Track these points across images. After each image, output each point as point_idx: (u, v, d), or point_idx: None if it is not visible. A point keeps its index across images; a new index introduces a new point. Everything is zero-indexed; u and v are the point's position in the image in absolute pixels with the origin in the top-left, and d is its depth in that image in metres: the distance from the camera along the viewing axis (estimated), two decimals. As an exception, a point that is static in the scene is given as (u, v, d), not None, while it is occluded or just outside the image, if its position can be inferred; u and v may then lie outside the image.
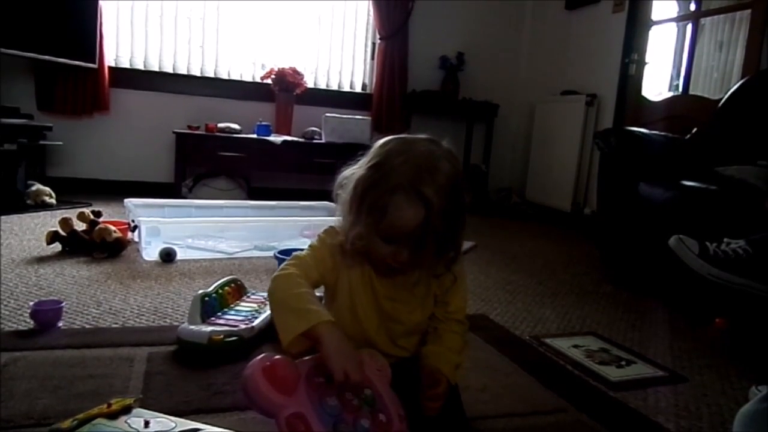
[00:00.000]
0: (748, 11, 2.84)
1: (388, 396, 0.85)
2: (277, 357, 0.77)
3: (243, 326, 1.28)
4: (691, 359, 1.46)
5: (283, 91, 3.73)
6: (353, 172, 0.90)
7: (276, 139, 3.55)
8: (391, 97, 4.02)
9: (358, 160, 0.91)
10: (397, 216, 0.83)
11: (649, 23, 3.45)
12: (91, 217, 2.14)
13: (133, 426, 0.84)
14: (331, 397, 0.78)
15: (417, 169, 0.83)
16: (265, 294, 1.54)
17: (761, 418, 0.83)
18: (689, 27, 3.26)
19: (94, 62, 3.34)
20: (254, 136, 3.56)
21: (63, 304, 1.37)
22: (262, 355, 0.77)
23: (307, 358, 0.84)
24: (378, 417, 0.81)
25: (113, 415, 0.86)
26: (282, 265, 0.92)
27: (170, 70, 3.71)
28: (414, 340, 1.00)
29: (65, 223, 2.07)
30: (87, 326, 1.37)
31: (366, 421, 0.79)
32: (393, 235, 0.85)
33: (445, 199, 0.83)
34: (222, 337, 1.22)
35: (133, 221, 2.17)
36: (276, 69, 3.72)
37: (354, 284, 0.94)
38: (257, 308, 1.43)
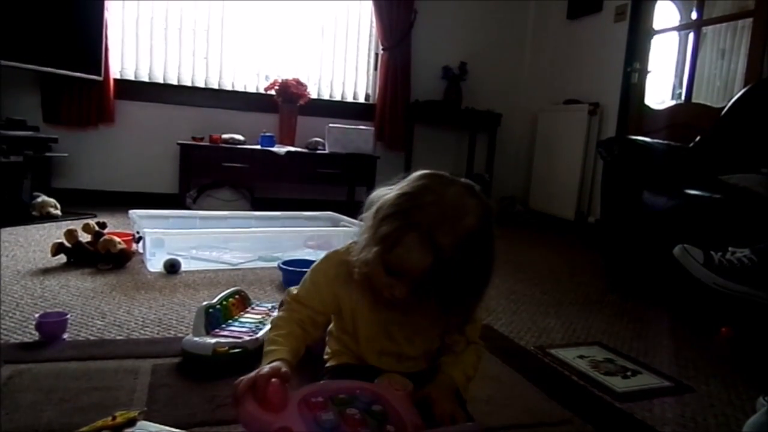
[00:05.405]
0: (750, 19, 2.85)
1: (405, 410, 0.85)
2: (267, 378, 0.79)
3: (247, 338, 1.28)
4: (697, 369, 1.45)
5: (287, 101, 3.75)
6: (385, 193, 0.89)
7: (280, 149, 3.57)
8: (394, 107, 4.04)
9: (396, 183, 0.90)
10: (405, 255, 0.82)
11: (651, 32, 3.46)
12: (96, 228, 2.15)
13: (137, 439, 0.85)
14: (327, 412, 0.79)
15: (441, 215, 0.81)
16: (269, 305, 1.55)
17: (769, 430, 0.82)
18: (691, 35, 3.27)
19: (99, 74, 3.37)
20: (258, 146, 3.58)
21: (68, 316, 1.37)
22: (250, 374, 0.80)
23: (312, 385, 0.86)
24: (386, 429, 0.81)
25: (118, 428, 0.86)
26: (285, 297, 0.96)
27: (175, 82, 3.74)
28: (420, 364, 1.01)
29: (70, 234, 2.08)
30: (92, 338, 1.37)
31: None
32: (397, 270, 0.84)
33: (459, 253, 0.81)
34: (226, 348, 1.22)
35: (137, 232, 2.18)
36: (279, 80, 3.75)
37: (357, 307, 0.96)
38: (261, 320, 1.43)
